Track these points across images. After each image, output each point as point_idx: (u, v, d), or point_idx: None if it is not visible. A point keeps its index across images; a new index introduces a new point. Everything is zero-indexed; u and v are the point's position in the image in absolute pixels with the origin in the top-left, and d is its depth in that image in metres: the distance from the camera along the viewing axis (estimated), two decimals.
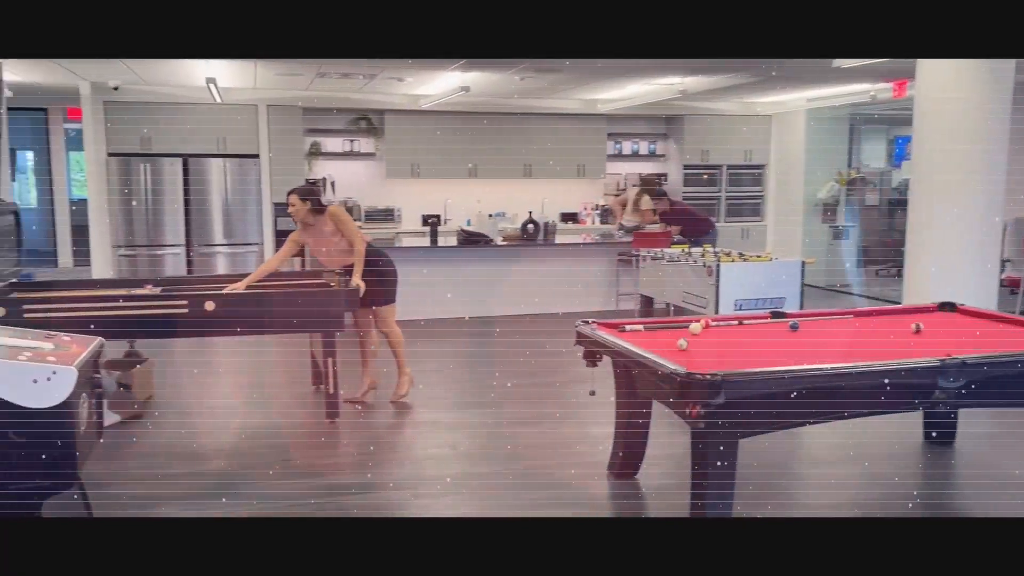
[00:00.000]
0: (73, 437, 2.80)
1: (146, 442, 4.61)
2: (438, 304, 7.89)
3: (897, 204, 12.46)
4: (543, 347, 6.87)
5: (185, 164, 9.31)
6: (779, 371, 3.07)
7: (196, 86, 8.53)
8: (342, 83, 8.60)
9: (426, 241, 8.81)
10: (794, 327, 3.98)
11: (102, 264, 9.12)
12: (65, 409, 2.76)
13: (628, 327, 3.98)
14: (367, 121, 10.11)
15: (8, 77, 7.91)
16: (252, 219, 9.62)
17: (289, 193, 5.23)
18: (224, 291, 4.81)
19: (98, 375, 3.18)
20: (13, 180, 13.15)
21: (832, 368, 3.11)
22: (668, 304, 6.97)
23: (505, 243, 8.69)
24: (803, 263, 6.13)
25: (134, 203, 9.14)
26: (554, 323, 8.10)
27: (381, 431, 5.00)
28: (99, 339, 3.24)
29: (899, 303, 7.24)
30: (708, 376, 2.96)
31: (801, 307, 6.08)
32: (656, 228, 8.45)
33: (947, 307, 4.52)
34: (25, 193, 13.37)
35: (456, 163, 10.29)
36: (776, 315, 4.29)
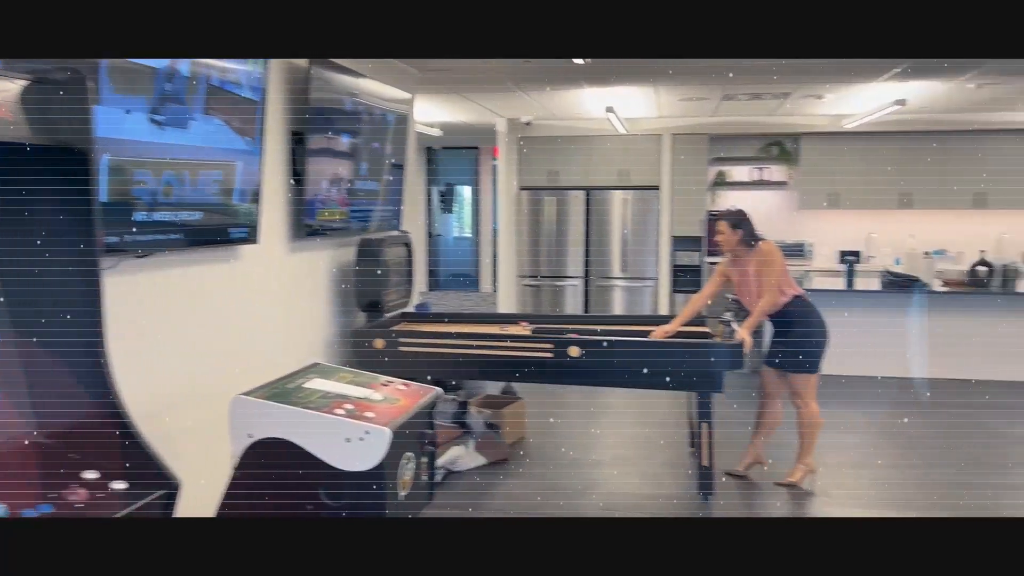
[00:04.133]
0: (384, 501, 2.48)
1: (499, 488, 4.33)
2: (846, 358, 6.59)
3: None
4: (991, 427, 5.28)
5: (588, 196, 9.29)
6: None
7: (601, 117, 8.42)
8: (752, 105, 7.79)
9: (840, 283, 7.53)
10: None
11: (508, 293, 9.48)
12: (380, 471, 2.45)
13: None
14: (780, 147, 9.12)
15: (439, 117, 8.62)
16: (650, 253, 9.26)
17: (717, 219, 4.60)
18: (651, 335, 4.37)
19: (430, 431, 2.86)
20: (451, 212, 14.72)
21: None
22: None
23: (945, 289, 7.04)
24: None
25: (523, 233, 9.36)
26: (1010, 392, 6.31)
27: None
28: (436, 390, 2.93)
29: None
30: None
31: None
32: None
33: None
34: (452, 224, 14.87)
35: (883, 191, 8.78)
36: None
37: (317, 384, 2.75)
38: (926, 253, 8.68)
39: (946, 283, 7.16)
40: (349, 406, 2.54)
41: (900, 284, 7.01)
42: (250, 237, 3.53)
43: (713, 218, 9.21)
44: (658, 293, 9.31)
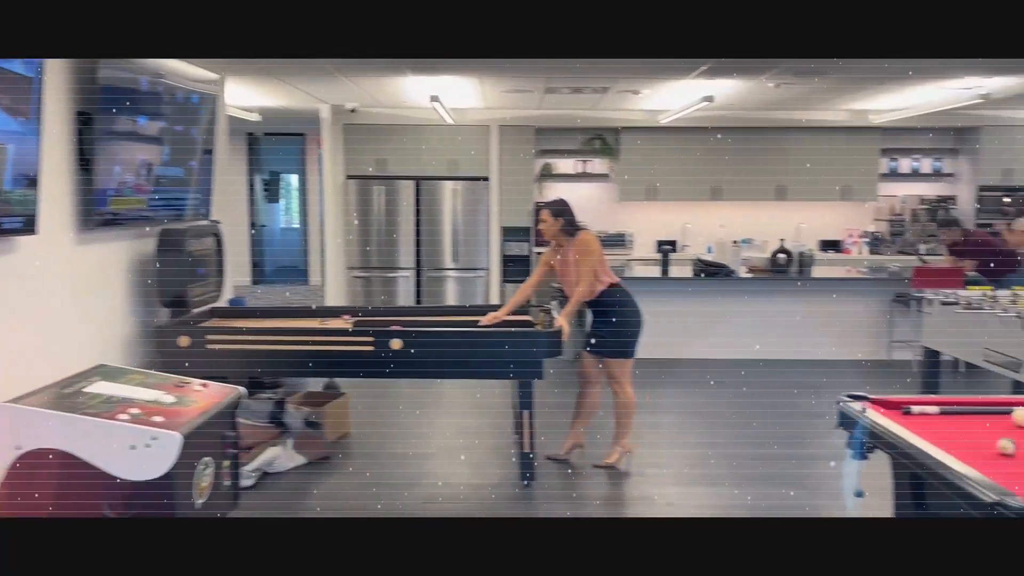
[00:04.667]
0: (176, 512, 2.30)
1: (320, 485, 4.18)
2: (661, 343, 6.90)
3: None
4: (793, 404, 5.71)
5: (417, 186, 9.19)
6: None
7: (428, 106, 8.35)
8: (574, 99, 7.98)
9: (657, 271, 7.88)
10: None
11: (336, 286, 9.22)
12: (170, 478, 2.26)
13: (916, 408, 2.86)
14: (601, 140, 9.42)
15: (257, 102, 8.22)
16: (480, 243, 9.29)
17: (541, 208, 4.68)
18: (480, 322, 4.34)
19: (232, 433, 2.69)
20: (276, 201, 14.12)
21: None
22: (959, 361, 5.50)
23: (750, 275, 7.55)
24: None
25: (355, 222, 9.15)
26: (808, 371, 6.85)
27: (582, 502, 4.19)
28: (239, 390, 2.75)
29: None
30: None
31: None
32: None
33: None
34: (279, 214, 14.35)
35: (697, 184, 9.28)
36: None
37: (100, 388, 2.51)
38: (735, 242, 9.27)
39: (751, 269, 7.67)
40: (135, 410, 2.33)
41: (709, 271, 7.43)
42: (27, 227, 3.18)
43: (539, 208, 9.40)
44: (490, 283, 9.37)
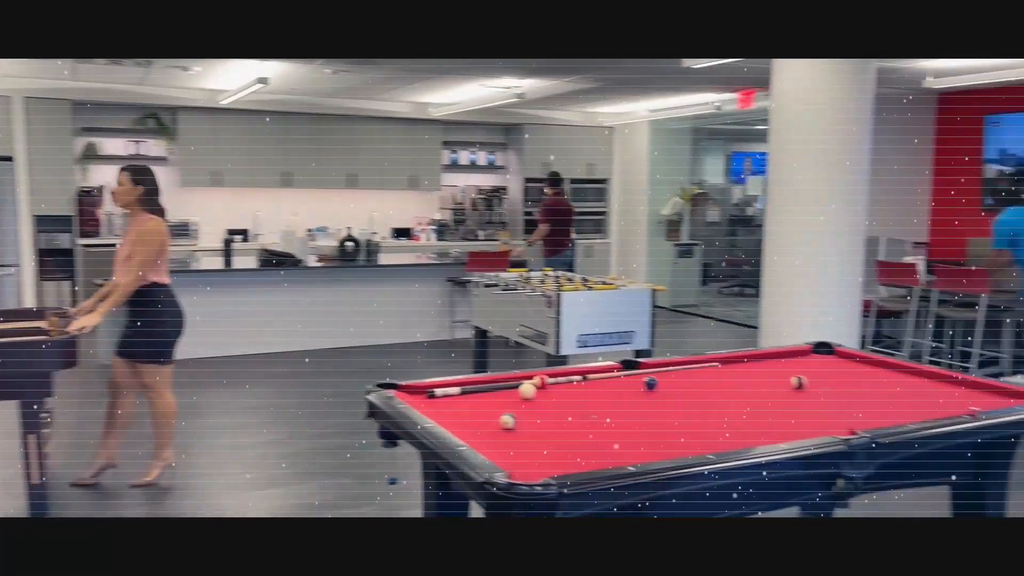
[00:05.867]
0: None
1: None
2: (222, 339, 6.51)
3: (739, 221, 12.26)
4: (351, 393, 5.73)
5: None
6: (645, 471, 2.11)
7: None
8: (114, 72, 7.10)
9: (220, 262, 7.40)
10: (651, 385, 3.07)
11: None
12: None
13: (439, 391, 2.94)
14: (155, 119, 8.58)
15: None
16: (7, 235, 7.87)
17: (121, 169, 4.02)
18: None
19: None
20: None
21: (708, 461, 2.19)
22: (508, 339, 6.02)
23: (320, 264, 7.46)
24: (653, 291, 5.34)
25: None
26: (377, 356, 6.96)
27: None
28: None
29: (753, 326, 6.67)
30: (539, 487, 1.96)
31: (652, 342, 5.27)
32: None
33: (823, 348, 3.79)
34: None
35: (266, 171, 8.95)
36: (627, 365, 3.38)
37: None
38: (309, 230, 9.16)
39: (320, 258, 7.59)
40: None
41: (276, 261, 7.18)
42: None
43: (85, 193, 8.27)
44: (22, 282, 8.00)
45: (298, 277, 7.23)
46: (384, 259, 7.92)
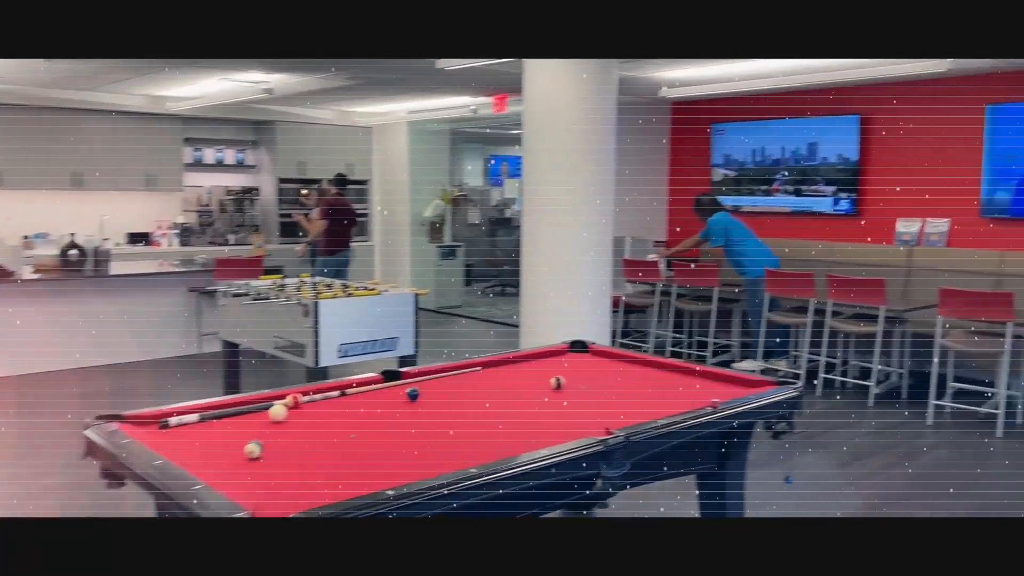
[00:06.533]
0: None
1: None
2: None
3: (499, 223, 12.56)
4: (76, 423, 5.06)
5: None
6: (403, 494, 1.97)
7: None
8: None
9: None
10: (413, 396, 2.95)
11: None
12: None
13: (173, 420, 2.61)
14: None
15: None
16: None
17: None
18: None
19: None
20: None
21: (470, 476, 2.10)
22: (265, 352, 5.61)
23: (38, 276, 6.54)
24: (416, 296, 5.23)
25: None
26: (113, 378, 6.22)
27: None
28: None
29: (515, 325, 6.80)
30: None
31: (417, 347, 5.16)
32: None
33: (579, 347, 3.88)
34: None
35: None
36: (389, 376, 3.23)
37: None
38: (26, 237, 8.04)
39: (38, 269, 6.66)
40: None
41: None
42: None
43: None
44: None
45: (11, 291, 6.28)
46: (117, 268, 7.12)
